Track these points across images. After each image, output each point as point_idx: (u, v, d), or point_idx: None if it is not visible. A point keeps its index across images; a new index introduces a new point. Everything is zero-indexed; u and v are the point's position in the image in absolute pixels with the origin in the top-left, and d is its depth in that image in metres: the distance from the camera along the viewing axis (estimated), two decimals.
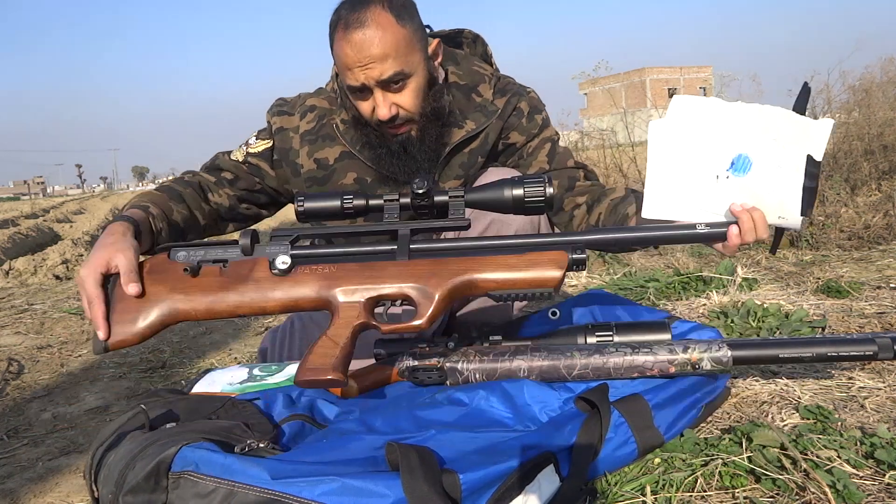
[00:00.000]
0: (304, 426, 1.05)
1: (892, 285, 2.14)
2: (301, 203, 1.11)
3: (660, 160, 1.12)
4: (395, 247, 1.09)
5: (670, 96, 1.26)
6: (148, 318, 1.08)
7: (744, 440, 1.06)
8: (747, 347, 1.12)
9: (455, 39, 1.51)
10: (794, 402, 1.26)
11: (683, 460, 1.04)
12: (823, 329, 1.72)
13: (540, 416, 1.03)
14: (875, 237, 3.21)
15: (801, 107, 1.08)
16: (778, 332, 1.69)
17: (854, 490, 0.92)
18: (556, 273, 1.05)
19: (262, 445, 0.90)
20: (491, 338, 1.20)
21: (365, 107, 1.29)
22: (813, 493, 0.93)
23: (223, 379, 1.26)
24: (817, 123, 1.08)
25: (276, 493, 0.79)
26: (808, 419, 1.17)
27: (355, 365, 1.16)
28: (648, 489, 0.98)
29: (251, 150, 1.43)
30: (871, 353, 1.10)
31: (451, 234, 1.37)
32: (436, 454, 0.86)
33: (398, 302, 1.08)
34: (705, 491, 0.98)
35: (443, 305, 1.06)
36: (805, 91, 1.10)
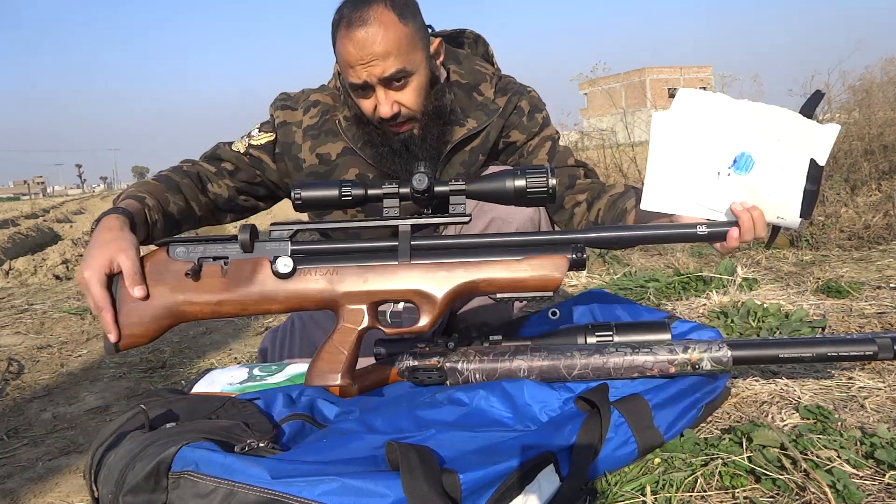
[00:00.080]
0: (304, 426, 1.05)
1: (892, 285, 2.14)
2: (298, 192, 1.09)
3: (661, 152, 1.12)
4: (396, 243, 1.09)
5: (671, 96, 1.26)
6: (155, 319, 1.09)
7: (744, 440, 1.06)
8: (747, 347, 1.12)
9: (457, 39, 1.51)
10: (794, 402, 1.26)
11: (683, 460, 1.04)
12: (823, 329, 1.72)
13: (540, 415, 1.03)
14: (875, 237, 3.21)
15: (808, 110, 1.07)
16: (778, 332, 1.69)
17: (854, 490, 0.92)
18: (557, 275, 1.05)
19: (262, 445, 0.90)
20: (491, 338, 1.20)
21: (367, 105, 1.29)
22: (813, 493, 0.93)
23: (223, 379, 1.26)
24: (823, 128, 1.07)
25: (276, 493, 0.79)
26: (808, 419, 1.16)
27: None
28: (648, 489, 0.98)
29: (253, 142, 1.42)
30: (871, 353, 1.10)
31: (451, 230, 1.38)
32: (436, 454, 0.86)
33: (401, 303, 1.09)
34: (705, 491, 0.98)
35: (445, 307, 1.07)
36: (816, 96, 1.09)
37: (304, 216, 1.41)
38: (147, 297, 1.08)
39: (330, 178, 1.40)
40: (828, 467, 0.98)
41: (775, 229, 1.15)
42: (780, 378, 1.38)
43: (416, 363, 1.16)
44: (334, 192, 1.09)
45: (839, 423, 1.15)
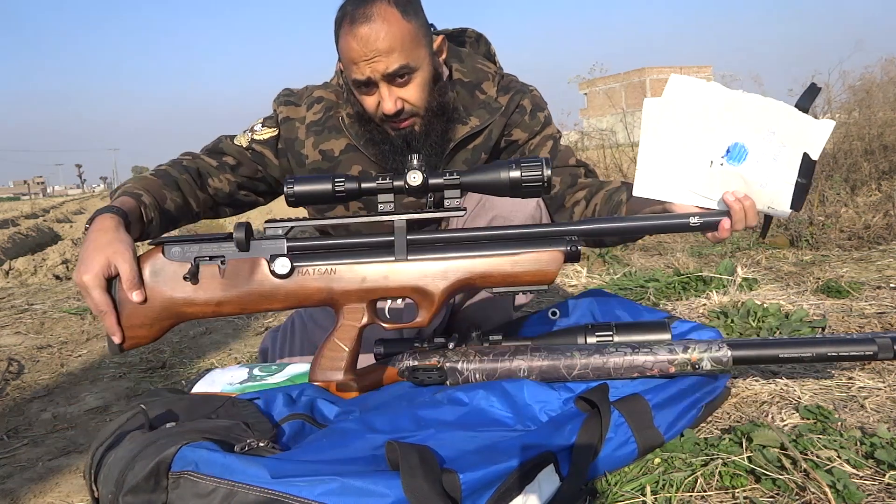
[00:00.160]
0: (304, 425, 1.05)
1: (892, 285, 2.14)
2: (290, 185, 1.08)
3: (652, 139, 1.12)
4: (393, 238, 1.09)
5: None
6: (157, 320, 1.10)
7: (744, 440, 1.06)
8: (747, 347, 1.12)
9: (458, 38, 1.51)
10: (794, 402, 1.26)
11: (683, 460, 1.04)
12: (823, 329, 1.72)
13: (540, 415, 1.03)
14: (875, 237, 3.21)
15: (804, 105, 1.08)
16: (778, 332, 1.69)
17: (854, 490, 0.92)
18: (553, 268, 1.07)
19: (262, 445, 0.90)
20: (491, 338, 1.20)
21: (370, 102, 1.29)
22: (813, 493, 0.93)
23: (223, 379, 1.26)
24: (818, 123, 1.07)
25: (276, 493, 0.79)
26: (808, 419, 1.16)
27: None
28: (648, 489, 0.98)
29: (256, 137, 1.42)
30: (871, 353, 1.10)
31: (454, 225, 1.38)
32: (436, 453, 0.86)
33: (399, 300, 1.10)
34: (705, 491, 0.98)
35: (443, 302, 1.08)
36: (812, 90, 1.09)
37: (300, 213, 1.41)
38: (145, 300, 1.09)
39: None
40: (828, 467, 0.98)
41: (767, 218, 1.15)
42: (780, 378, 1.38)
43: (416, 363, 1.16)
44: (327, 187, 1.08)
45: (839, 423, 1.15)
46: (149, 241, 1.19)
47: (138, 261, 1.10)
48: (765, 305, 1.85)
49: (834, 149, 4.66)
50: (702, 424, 1.19)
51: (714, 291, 2.14)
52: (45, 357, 2.17)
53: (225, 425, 0.96)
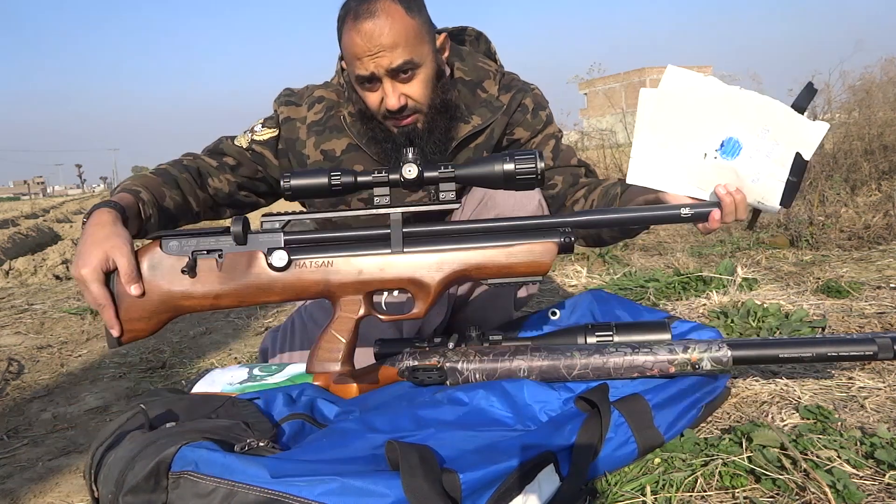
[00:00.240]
0: (304, 425, 1.05)
1: (892, 285, 2.14)
2: (287, 179, 1.10)
3: (647, 129, 1.13)
4: (389, 231, 1.10)
5: None
6: (155, 313, 1.12)
7: (744, 440, 1.06)
8: (747, 347, 1.12)
9: (458, 37, 1.51)
10: (794, 402, 1.26)
11: (683, 460, 1.04)
12: (823, 329, 1.72)
13: (540, 415, 1.03)
14: (875, 237, 3.21)
15: (801, 105, 1.09)
16: (778, 332, 1.69)
17: (854, 490, 0.92)
18: (546, 259, 1.09)
19: (262, 444, 0.90)
20: (491, 338, 1.20)
21: (373, 98, 1.29)
22: (813, 493, 0.93)
23: (223, 379, 1.26)
24: (813, 125, 1.09)
25: (275, 493, 0.79)
26: (808, 419, 1.16)
27: (357, 355, 1.19)
28: (648, 489, 0.98)
29: (256, 138, 1.42)
30: (871, 353, 1.10)
31: (456, 218, 1.39)
32: (436, 453, 0.86)
33: (395, 292, 1.12)
34: (705, 491, 0.98)
35: (438, 294, 1.10)
36: (809, 90, 1.10)
37: (297, 208, 1.41)
38: (143, 294, 1.10)
39: None
40: (828, 467, 0.98)
41: (755, 212, 1.17)
42: (780, 378, 1.38)
43: (416, 363, 1.16)
44: (324, 180, 1.09)
45: (839, 423, 1.15)
46: (146, 236, 1.20)
47: (136, 255, 1.11)
48: (765, 305, 1.85)
49: (834, 149, 4.66)
50: (702, 424, 1.19)
51: (714, 291, 2.14)
52: (45, 357, 2.17)
53: (225, 425, 0.96)
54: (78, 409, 1.66)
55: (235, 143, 1.42)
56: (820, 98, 4.98)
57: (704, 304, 2.04)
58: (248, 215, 1.22)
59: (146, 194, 1.24)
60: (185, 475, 0.83)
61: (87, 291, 1.08)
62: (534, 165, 1.06)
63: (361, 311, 1.11)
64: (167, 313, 1.12)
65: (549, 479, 0.93)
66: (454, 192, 1.10)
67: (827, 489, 0.92)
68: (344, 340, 1.10)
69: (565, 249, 1.09)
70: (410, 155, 1.08)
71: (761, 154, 1.10)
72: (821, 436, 1.08)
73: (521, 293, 1.59)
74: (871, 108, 5.01)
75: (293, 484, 0.79)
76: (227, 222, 1.18)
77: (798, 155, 1.09)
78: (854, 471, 0.99)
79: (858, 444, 1.05)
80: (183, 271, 1.09)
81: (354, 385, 1.17)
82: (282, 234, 1.12)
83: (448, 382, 1.15)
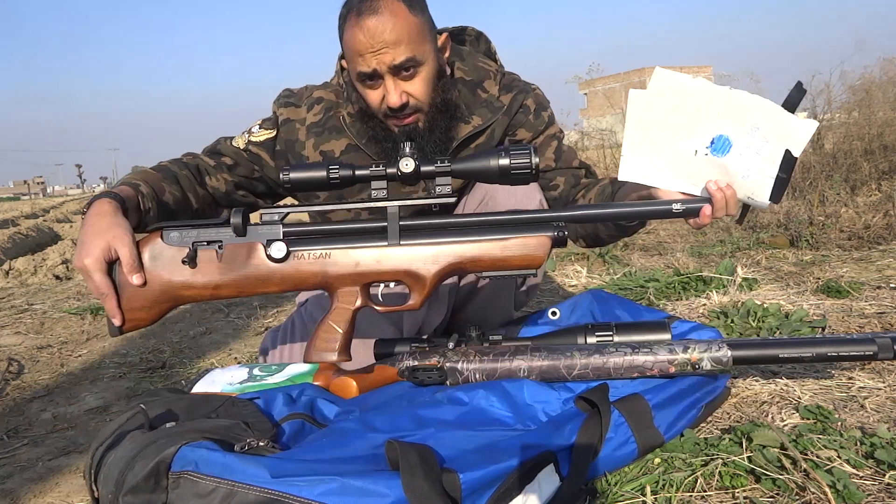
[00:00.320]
0: (304, 425, 1.05)
1: (892, 285, 2.14)
2: (287, 172, 1.11)
3: (637, 128, 1.15)
4: (386, 224, 1.12)
5: None
6: (156, 303, 1.13)
7: (744, 440, 1.06)
8: (747, 347, 1.12)
9: (458, 37, 1.51)
10: (794, 402, 1.26)
11: (683, 460, 1.04)
12: (823, 329, 1.72)
13: (540, 415, 1.03)
14: (875, 237, 3.21)
15: (791, 104, 1.10)
16: (778, 332, 1.69)
17: (854, 490, 0.92)
18: (540, 253, 1.10)
19: (261, 444, 0.90)
20: (491, 338, 1.20)
21: (374, 96, 1.29)
22: (813, 493, 0.93)
23: (223, 379, 1.26)
24: (802, 123, 1.10)
25: (275, 493, 0.79)
26: (808, 419, 1.17)
27: (357, 347, 1.21)
28: (648, 489, 0.98)
29: (253, 139, 1.43)
30: (871, 353, 1.10)
31: (458, 211, 1.40)
32: (436, 453, 0.86)
33: (392, 283, 1.13)
34: (705, 491, 0.98)
35: (434, 286, 1.12)
36: (798, 90, 1.12)
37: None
38: (145, 284, 1.11)
39: None
40: (828, 467, 0.98)
41: (745, 207, 1.18)
42: (780, 378, 1.38)
43: (416, 363, 1.17)
44: (322, 174, 1.10)
45: (839, 423, 1.15)
46: (147, 228, 1.21)
47: (137, 245, 1.12)
48: (765, 305, 1.85)
49: (834, 149, 4.67)
50: (702, 424, 1.19)
51: (714, 291, 2.14)
52: (45, 357, 2.17)
53: (225, 425, 0.96)
54: (78, 409, 1.66)
55: (233, 143, 1.43)
56: (820, 98, 4.99)
57: (704, 304, 2.04)
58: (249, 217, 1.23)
59: (146, 188, 1.25)
60: (185, 475, 0.83)
61: (90, 281, 1.10)
62: (528, 160, 1.08)
63: (358, 303, 1.12)
64: (168, 303, 1.13)
65: (549, 479, 0.93)
66: (450, 186, 1.11)
67: (827, 489, 0.92)
68: (341, 331, 1.12)
69: (558, 243, 1.11)
70: (408, 149, 1.08)
71: (751, 151, 1.11)
72: (821, 436, 1.08)
73: (530, 282, 1.59)
74: (871, 108, 5.02)
75: (293, 484, 0.79)
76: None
77: (787, 152, 1.10)
78: (854, 471, 0.99)
79: (858, 444, 1.05)
80: (183, 262, 1.11)
81: (354, 385, 1.17)
82: (281, 225, 1.13)
83: (448, 382, 1.15)
